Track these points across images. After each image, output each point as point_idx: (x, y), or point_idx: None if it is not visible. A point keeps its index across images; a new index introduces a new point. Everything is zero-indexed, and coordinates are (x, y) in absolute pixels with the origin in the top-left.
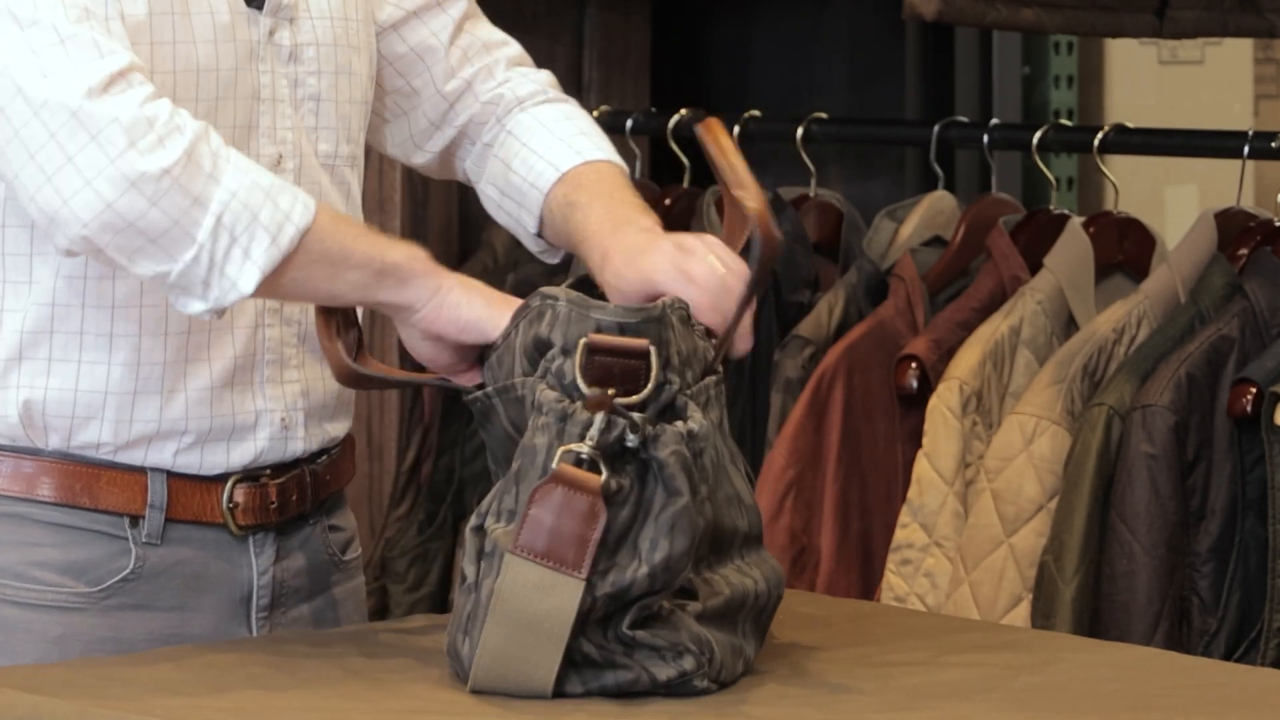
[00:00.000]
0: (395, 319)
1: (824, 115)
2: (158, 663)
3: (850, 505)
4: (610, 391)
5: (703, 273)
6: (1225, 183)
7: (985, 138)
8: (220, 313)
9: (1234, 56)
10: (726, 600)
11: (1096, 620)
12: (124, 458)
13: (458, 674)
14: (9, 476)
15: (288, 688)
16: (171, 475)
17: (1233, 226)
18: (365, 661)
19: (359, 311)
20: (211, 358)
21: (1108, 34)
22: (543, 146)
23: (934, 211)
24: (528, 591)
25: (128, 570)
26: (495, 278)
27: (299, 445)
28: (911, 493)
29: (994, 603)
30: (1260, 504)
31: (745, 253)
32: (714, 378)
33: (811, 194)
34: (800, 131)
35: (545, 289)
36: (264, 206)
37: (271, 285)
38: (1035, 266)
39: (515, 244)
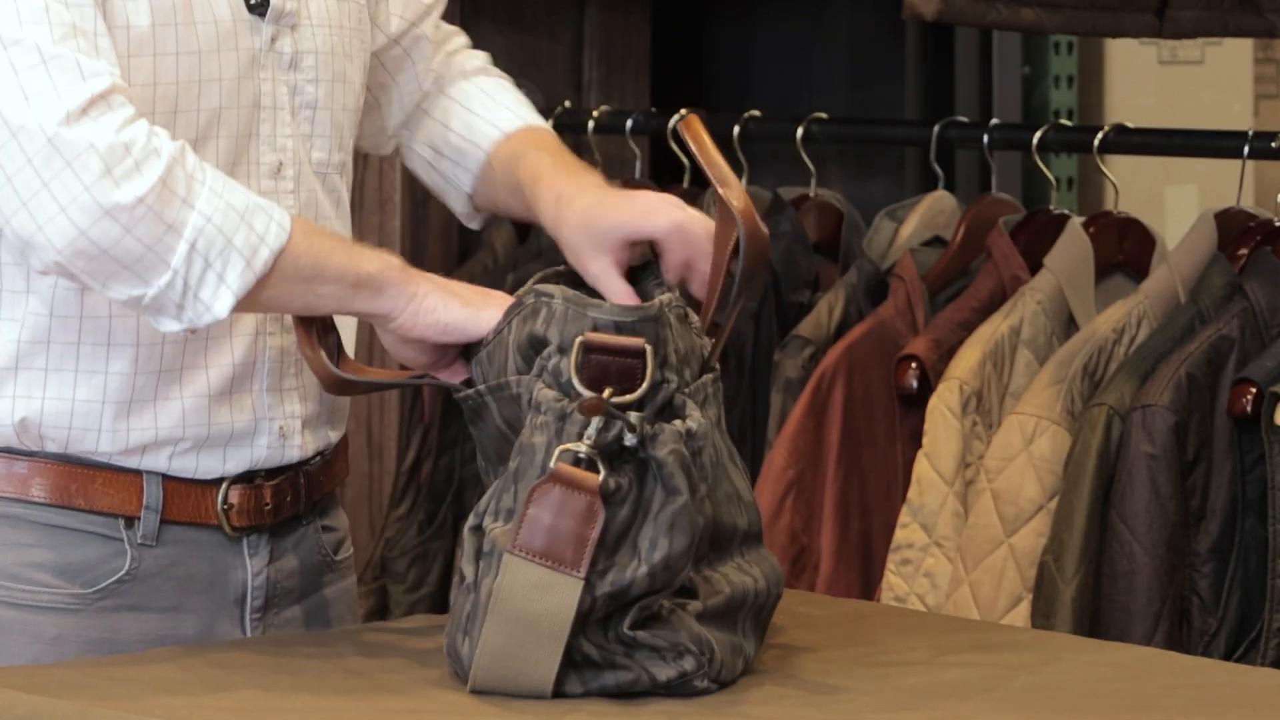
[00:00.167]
0: (375, 325)
1: (824, 115)
2: (158, 663)
3: (850, 505)
4: (607, 392)
5: (696, 214)
6: (1225, 183)
7: (985, 138)
8: (194, 330)
9: (1234, 56)
10: (727, 599)
11: (1096, 620)
12: (120, 461)
13: (457, 674)
14: (3, 478)
15: (288, 688)
16: (167, 478)
17: (1233, 226)
18: (365, 661)
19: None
20: (209, 365)
21: (1108, 34)
22: (484, 110)
23: (934, 211)
24: (527, 591)
25: (123, 571)
26: (495, 278)
27: (295, 452)
28: (911, 493)
29: (994, 603)
30: (1260, 504)
31: (736, 252)
32: (711, 375)
33: (811, 194)
34: (800, 131)
35: (540, 286)
36: (239, 230)
37: (247, 304)
38: (1035, 266)
39: (515, 244)
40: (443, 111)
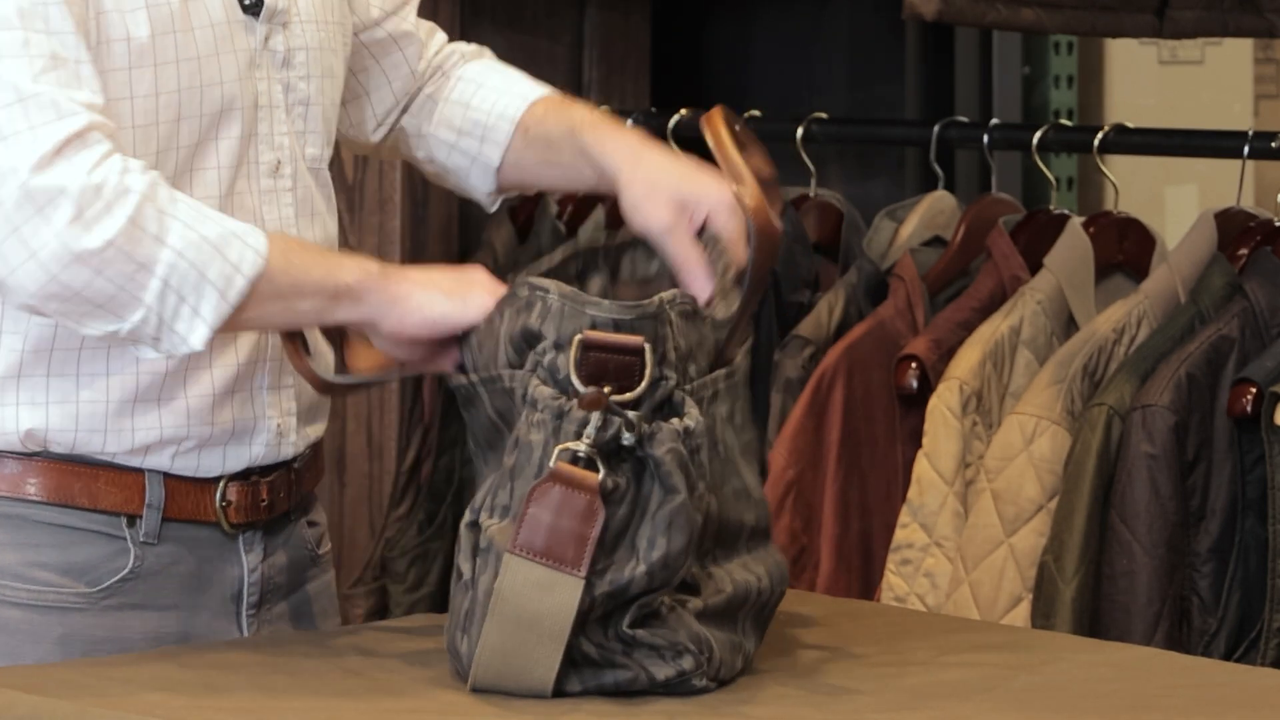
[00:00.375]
0: (363, 330)
1: (824, 115)
2: (158, 663)
3: (850, 505)
4: (606, 389)
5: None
6: (1225, 183)
7: (985, 138)
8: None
9: (1234, 56)
10: (728, 599)
11: (1096, 620)
12: (123, 460)
13: (457, 672)
14: (7, 478)
15: (288, 688)
16: (168, 476)
17: (1233, 226)
18: (365, 661)
19: None
20: (214, 365)
21: (1108, 34)
22: (504, 84)
23: (934, 211)
24: (528, 590)
25: (126, 570)
26: (496, 278)
27: (290, 449)
28: (911, 493)
29: (994, 603)
30: (1260, 504)
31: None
32: (724, 370)
33: (811, 194)
34: (800, 131)
35: (533, 279)
36: (212, 262)
37: (226, 329)
38: (1035, 266)
39: (515, 244)
40: (459, 93)
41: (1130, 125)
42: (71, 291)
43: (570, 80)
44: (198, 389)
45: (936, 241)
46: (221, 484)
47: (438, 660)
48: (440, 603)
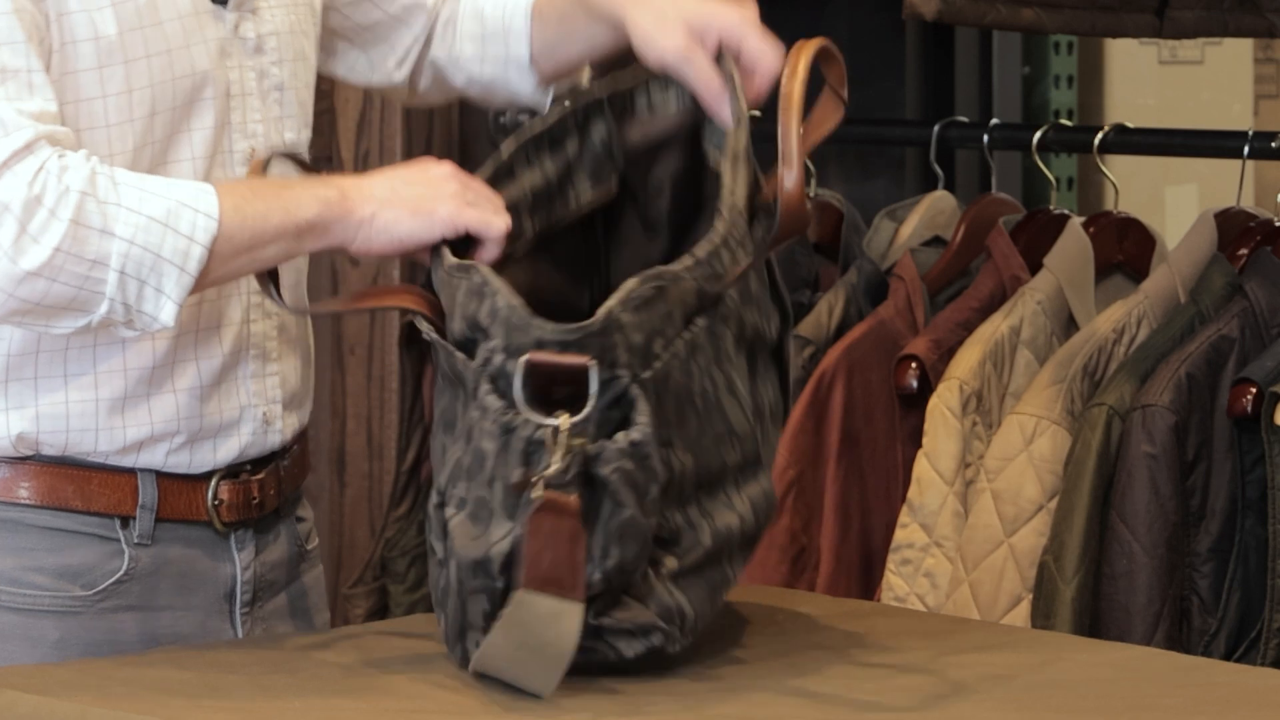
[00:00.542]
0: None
1: None
2: (158, 663)
3: (850, 505)
4: (562, 419)
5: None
6: (1225, 183)
7: (985, 138)
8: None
9: (1234, 56)
10: (707, 552)
11: (1096, 620)
12: (115, 461)
13: (445, 635)
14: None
15: (288, 688)
16: (160, 475)
17: (1233, 226)
18: (365, 661)
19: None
20: (199, 358)
21: (1108, 34)
22: None
23: (934, 211)
24: (538, 622)
25: (121, 572)
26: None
27: (277, 438)
28: (911, 493)
29: (994, 603)
30: (1260, 504)
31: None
32: (702, 319)
33: (811, 194)
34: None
35: (478, 267)
36: (164, 241)
37: (198, 292)
38: (1035, 266)
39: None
40: (469, 6)
41: (1130, 125)
42: (31, 304)
43: (570, 80)
44: (185, 382)
45: (936, 241)
46: (213, 483)
47: (438, 660)
48: None
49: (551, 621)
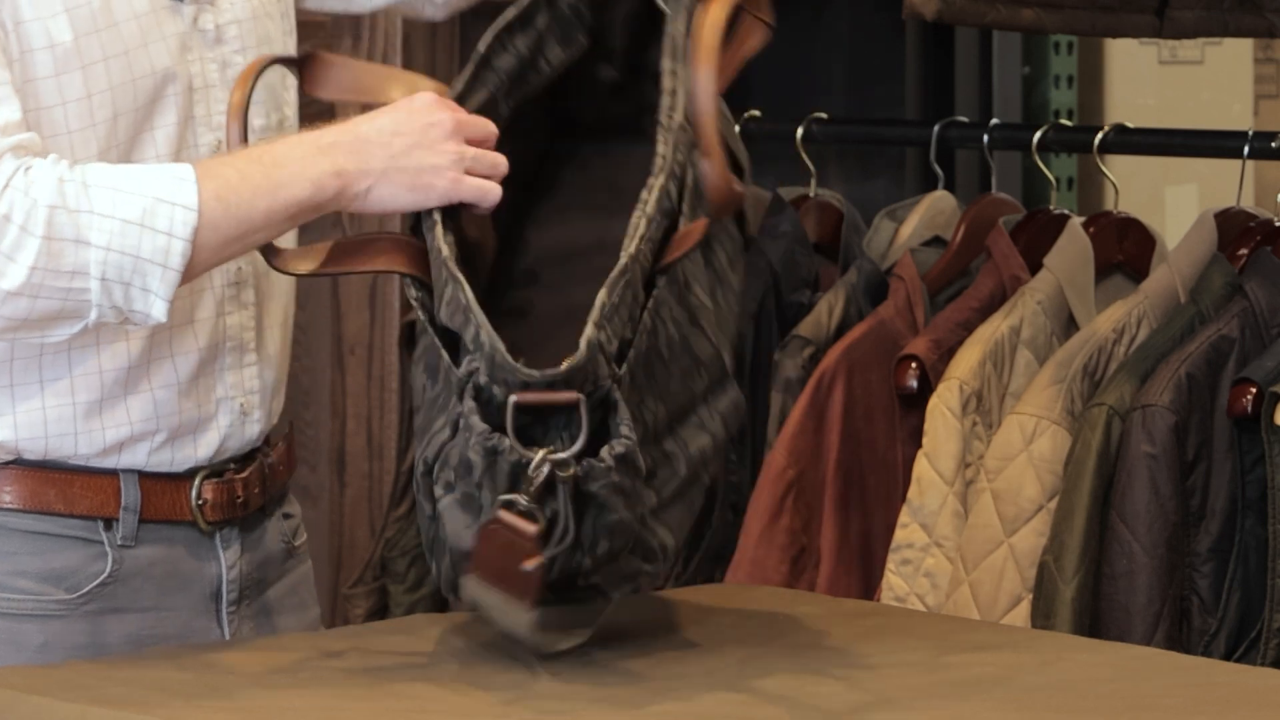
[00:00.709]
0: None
1: (824, 115)
2: (158, 663)
3: (850, 505)
4: (541, 455)
5: None
6: (1225, 183)
7: (985, 138)
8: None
9: (1234, 56)
10: (684, 479)
11: (1096, 620)
12: (97, 463)
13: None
14: None
15: (288, 688)
16: (143, 476)
17: (1233, 226)
18: (365, 661)
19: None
20: (175, 354)
21: (1108, 34)
22: None
23: (934, 211)
24: (490, 606)
25: (105, 574)
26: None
27: (255, 428)
28: (911, 493)
29: (994, 603)
30: (1260, 504)
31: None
32: (662, 279)
33: (811, 194)
34: (800, 131)
35: (460, 280)
36: (142, 241)
37: (189, 279)
38: (1035, 266)
39: None
40: None
41: (1130, 125)
42: (18, 321)
43: None
44: (161, 379)
45: (936, 241)
46: (197, 482)
47: (438, 661)
48: (440, 602)
49: (500, 614)
